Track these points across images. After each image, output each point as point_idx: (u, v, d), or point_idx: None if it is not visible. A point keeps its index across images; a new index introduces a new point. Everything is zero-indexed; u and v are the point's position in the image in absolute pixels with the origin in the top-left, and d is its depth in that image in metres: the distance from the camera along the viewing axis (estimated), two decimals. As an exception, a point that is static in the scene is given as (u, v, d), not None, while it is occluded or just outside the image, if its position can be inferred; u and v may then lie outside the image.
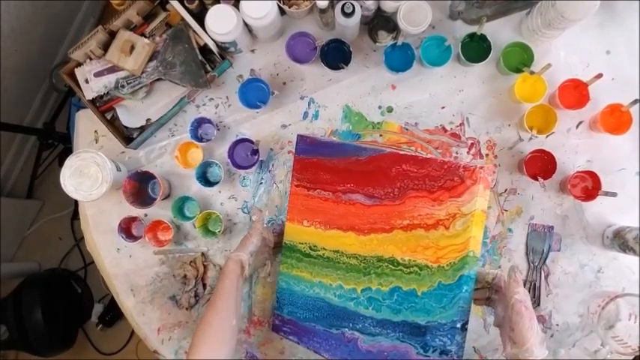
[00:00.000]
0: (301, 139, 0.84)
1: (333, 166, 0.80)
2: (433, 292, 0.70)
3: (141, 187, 1.01)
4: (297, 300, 0.85)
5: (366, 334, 0.78)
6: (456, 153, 0.97)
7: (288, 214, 0.86)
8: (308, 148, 0.83)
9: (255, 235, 0.84)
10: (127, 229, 1.01)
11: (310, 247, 0.84)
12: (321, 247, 0.82)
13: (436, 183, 0.70)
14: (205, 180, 1.01)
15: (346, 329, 0.80)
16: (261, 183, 1.01)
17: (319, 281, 0.82)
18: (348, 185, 0.79)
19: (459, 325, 0.68)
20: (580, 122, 0.96)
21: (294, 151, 0.87)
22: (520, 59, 0.94)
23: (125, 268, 1.03)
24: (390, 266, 0.75)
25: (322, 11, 0.90)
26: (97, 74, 0.97)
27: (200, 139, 1.00)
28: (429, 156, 0.73)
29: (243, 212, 1.01)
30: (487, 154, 0.97)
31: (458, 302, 0.68)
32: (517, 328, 0.63)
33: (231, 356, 0.74)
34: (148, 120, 1.00)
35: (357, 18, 0.88)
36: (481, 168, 0.66)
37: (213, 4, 0.93)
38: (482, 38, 0.92)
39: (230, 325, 0.75)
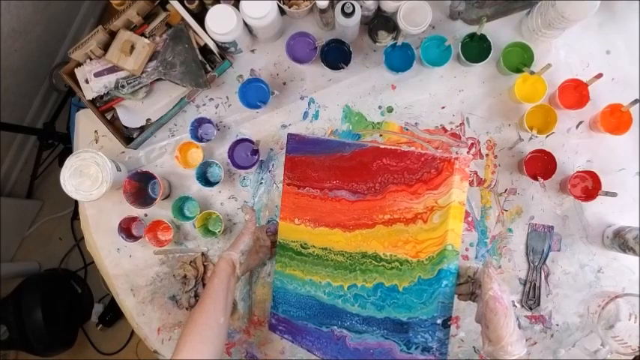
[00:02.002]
0: (291, 137, 0.85)
1: (320, 163, 0.81)
2: (413, 288, 0.70)
3: (141, 187, 1.01)
4: (290, 298, 0.86)
5: (353, 332, 0.78)
6: (456, 153, 0.97)
7: (281, 212, 0.87)
8: (297, 146, 0.84)
9: (247, 235, 0.84)
10: (127, 229, 1.01)
11: (301, 245, 0.84)
12: (311, 244, 0.83)
13: (414, 176, 0.70)
14: (205, 180, 1.01)
15: (335, 327, 0.80)
16: (261, 183, 1.01)
17: (310, 279, 0.83)
18: (334, 182, 0.80)
19: (439, 322, 0.67)
20: (580, 122, 0.96)
21: (285, 150, 0.88)
22: (520, 59, 0.94)
23: (125, 268, 1.03)
24: (374, 262, 0.75)
25: (322, 11, 0.90)
26: (97, 74, 0.97)
27: (200, 139, 1.00)
28: (406, 149, 0.72)
29: (243, 212, 1.01)
30: (487, 154, 0.97)
31: (438, 297, 0.67)
32: (491, 326, 0.61)
33: (218, 355, 0.74)
34: (148, 120, 1.00)
35: (357, 18, 0.88)
36: (456, 159, 0.66)
37: (213, 4, 0.93)
38: (482, 38, 0.92)
39: (217, 324, 0.75)
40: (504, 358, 0.60)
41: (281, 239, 0.88)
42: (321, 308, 0.82)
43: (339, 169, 0.79)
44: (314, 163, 0.82)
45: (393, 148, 0.73)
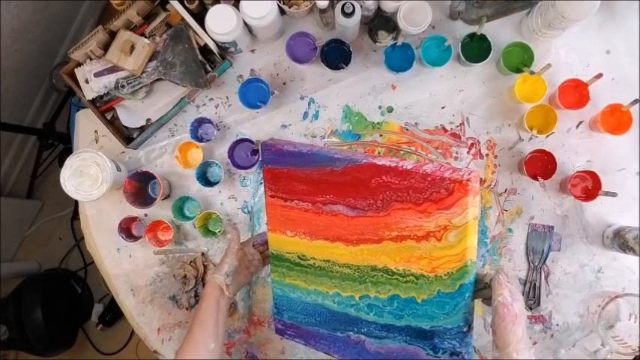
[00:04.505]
0: (266, 147, 0.78)
1: (306, 177, 0.75)
2: (434, 300, 0.68)
3: (141, 187, 1.01)
4: (295, 306, 0.83)
5: (373, 337, 0.76)
6: (456, 153, 0.97)
7: (269, 224, 0.81)
8: (275, 157, 0.77)
9: (229, 255, 0.80)
10: (127, 229, 1.01)
11: (299, 257, 0.80)
12: (310, 256, 0.79)
13: (421, 195, 0.66)
14: (205, 180, 1.01)
15: (351, 333, 0.78)
16: (261, 183, 1.01)
17: (315, 289, 0.80)
18: (328, 196, 0.74)
19: (465, 330, 0.67)
20: (580, 122, 0.96)
21: (261, 160, 0.80)
22: (520, 59, 0.94)
23: (125, 268, 1.03)
24: (385, 275, 0.72)
25: (322, 11, 0.90)
26: (97, 74, 0.97)
27: (200, 139, 1.00)
28: (409, 167, 0.67)
29: (243, 212, 1.01)
30: (487, 154, 0.97)
31: (462, 309, 0.66)
32: (498, 332, 0.61)
33: None
34: (148, 120, 1.00)
35: (357, 18, 0.88)
36: (468, 180, 0.63)
37: (213, 4, 0.93)
38: (483, 38, 0.92)
39: (207, 350, 0.74)
40: None
41: (274, 250, 0.82)
42: (332, 315, 0.79)
43: (331, 183, 0.74)
44: (298, 176, 0.76)
45: (392, 165, 0.68)
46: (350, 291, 0.76)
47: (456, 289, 0.66)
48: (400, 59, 0.94)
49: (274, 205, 0.80)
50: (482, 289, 0.68)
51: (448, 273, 0.66)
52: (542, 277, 0.95)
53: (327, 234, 0.76)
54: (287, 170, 0.77)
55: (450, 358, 0.69)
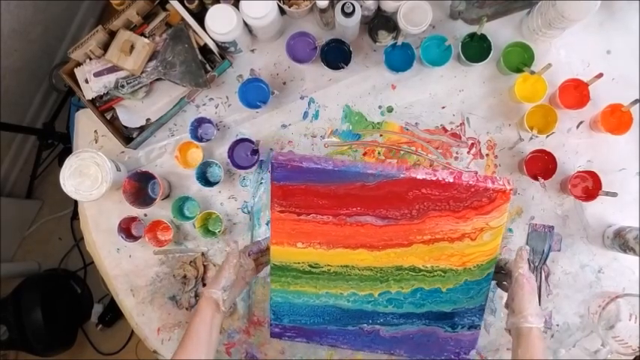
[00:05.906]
0: (279, 165, 0.71)
1: (329, 192, 0.73)
2: (459, 288, 0.74)
3: (141, 187, 1.01)
4: (299, 310, 0.82)
5: (389, 326, 0.79)
6: (456, 153, 0.97)
7: (273, 238, 0.78)
8: (290, 174, 0.72)
9: (227, 270, 0.78)
10: (126, 229, 1.01)
11: (310, 265, 0.79)
12: (324, 264, 0.78)
13: (462, 204, 0.70)
14: (205, 180, 1.01)
15: (365, 325, 0.80)
16: (261, 183, 1.01)
17: (326, 292, 0.79)
18: (354, 209, 0.73)
19: (484, 304, 0.75)
20: (580, 122, 0.96)
21: (270, 176, 0.74)
22: (520, 59, 0.94)
23: (125, 268, 1.03)
24: (411, 273, 0.76)
25: (322, 11, 0.90)
26: (97, 74, 0.97)
27: (200, 139, 1.00)
28: (450, 180, 0.69)
29: (243, 212, 1.01)
30: (487, 154, 0.97)
31: (486, 292, 0.73)
32: (517, 298, 0.68)
33: None
34: (148, 120, 1.00)
35: (357, 18, 0.88)
36: (511, 189, 0.68)
37: (213, 4, 0.93)
38: (483, 38, 0.92)
39: None
40: (524, 325, 0.66)
41: (277, 262, 0.79)
42: (344, 313, 0.80)
43: (361, 197, 0.72)
44: (319, 191, 0.73)
45: (432, 179, 0.69)
46: (369, 290, 0.79)
47: (484, 277, 0.73)
48: (400, 59, 0.94)
49: (283, 219, 0.76)
50: (498, 272, 0.75)
51: (477, 265, 0.72)
52: (543, 277, 0.95)
53: (348, 242, 0.77)
54: (305, 187, 0.73)
55: (468, 331, 0.76)
